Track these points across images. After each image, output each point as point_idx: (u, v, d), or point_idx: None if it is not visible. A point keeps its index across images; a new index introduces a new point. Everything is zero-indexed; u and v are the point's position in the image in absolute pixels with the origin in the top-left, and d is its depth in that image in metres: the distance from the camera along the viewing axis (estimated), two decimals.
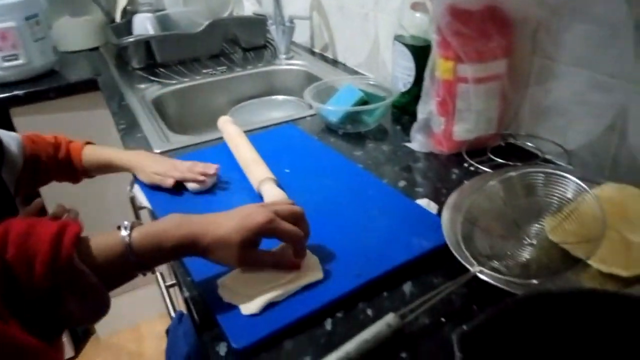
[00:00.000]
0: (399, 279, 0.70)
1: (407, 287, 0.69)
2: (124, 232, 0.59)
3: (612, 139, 0.86)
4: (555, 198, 0.74)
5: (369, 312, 0.65)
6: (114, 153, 0.98)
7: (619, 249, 0.68)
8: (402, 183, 0.93)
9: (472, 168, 0.94)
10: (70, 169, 0.97)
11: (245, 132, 1.09)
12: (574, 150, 0.92)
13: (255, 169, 0.92)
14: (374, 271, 0.69)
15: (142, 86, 1.49)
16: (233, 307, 0.64)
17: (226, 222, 0.63)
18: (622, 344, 0.48)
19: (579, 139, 0.91)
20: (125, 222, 0.60)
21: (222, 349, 0.60)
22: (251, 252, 0.65)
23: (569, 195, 0.74)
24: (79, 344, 2.05)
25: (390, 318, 0.59)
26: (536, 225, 0.74)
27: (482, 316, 0.42)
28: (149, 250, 0.59)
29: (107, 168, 0.98)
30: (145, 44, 1.64)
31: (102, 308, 0.57)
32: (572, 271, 0.66)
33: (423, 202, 0.86)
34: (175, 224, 0.62)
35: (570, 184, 0.73)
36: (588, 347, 0.48)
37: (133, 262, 0.58)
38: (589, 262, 0.66)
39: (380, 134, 1.15)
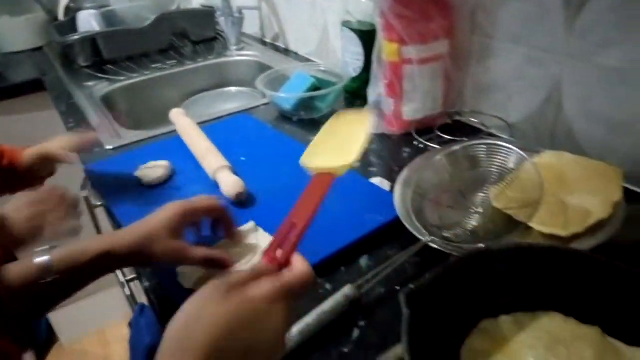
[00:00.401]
0: (355, 253, 0.72)
1: (364, 261, 0.71)
2: (39, 258, 0.59)
3: (549, 110, 0.90)
4: (498, 168, 0.78)
5: (328, 286, 0.67)
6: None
7: (558, 212, 0.72)
8: (356, 164, 0.95)
9: (421, 146, 0.97)
10: (16, 174, 0.94)
11: (199, 124, 1.09)
12: (515, 123, 0.97)
13: (210, 158, 0.93)
14: (331, 248, 0.71)
15: (90, 84, 1.46)
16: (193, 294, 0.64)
17: (147, 220, 0.64)
18: (558, 292, 0.51)
19: (519, 112, 0.96)
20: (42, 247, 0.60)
21: None
22: (179, 243, 0.64)
23: (511, 164, 0.77)
24: (41, 354, 2.00)
25: (347, 289, 0.61)
26: (481, 194, 0.77)
27: (428, 275, 0.45)
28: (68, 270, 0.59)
29: (45, 156, 0.95)
30: (92, 41, 1.60)
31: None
32: (516, 234, 0.70)
33: (377, 181, 0.89)
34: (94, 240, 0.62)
35: (511, 154, 0.77)
36: (526, 296, 0.52)
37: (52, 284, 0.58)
38: (531, 225, 0.70)
39: None
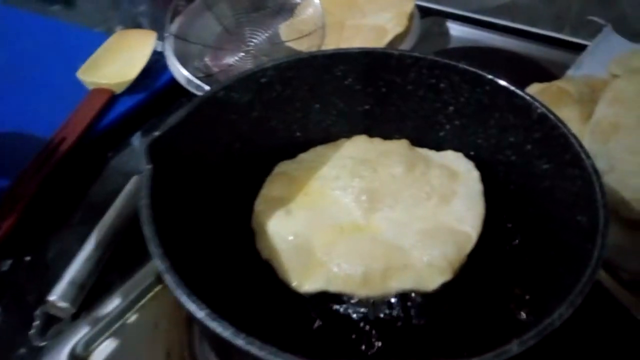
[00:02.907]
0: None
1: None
2: None
3: None
4: (283, 2, 0.66)
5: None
6: None
7: (351, 37, 0.64)
8: (119, 27, 0.76)
9: None
10: None
11: None
12: None
13: None
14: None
15: None
16: None
17: None
18: (355, 110, 0.43)
19: None
20: None
21: None
22: None
23: None
24: None
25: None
26: (268, 32, 0.65)
27: (174, 117, 0.32)
28: None
29: None
30: None
31: None
32: None
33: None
34: None
35: None
36: (320, 125, 0.43)
37: None
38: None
39: None
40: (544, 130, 0.33)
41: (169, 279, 0.24)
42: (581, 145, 0.31)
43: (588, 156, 0.30)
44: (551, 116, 0.32)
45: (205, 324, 0.22)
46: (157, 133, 0.31)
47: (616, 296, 0.38)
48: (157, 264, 0.25)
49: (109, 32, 0.73)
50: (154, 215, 0.26)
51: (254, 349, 0.21)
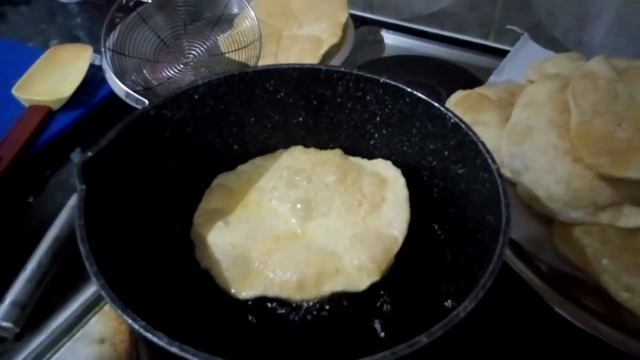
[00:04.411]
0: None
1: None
2: None
3: None
4: (221, 15, 0.67)
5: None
6: None
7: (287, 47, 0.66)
8: (55, 42, 0.75)
9: (131, 4, 0.80)
10: None
11: None
12: None
13: None
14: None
15: None
16: None
17: None
18: (288, 123, 0.45)
19: None
20: None
21: None
22: None
23: (234, 9, 0.68)
24: None
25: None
26: (206, 44, 0.66)
27: (106, 138, 0.33)
28: None
29: None
30: None
31: None
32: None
33: None
34: None
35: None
36: (257, 138, 0.44)
37: None
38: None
39: None
40: (457, 137, 0.36)
41: (105, 294, 0.25)
42: (488, 151, 0.34)
43: (494, 161, 0.33)
44: (462, 125, 0.36)
45: (142, 335, 0.24)
46: (89, 154, 0.32)
47: (532, 286, 0.42)
48: (93, 280, 0.26)
49: (43, 46, 0.72)
50: (89, 234, 0.28)
51: (188, 355, 0.23)
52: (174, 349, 0.23)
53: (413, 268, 0.38)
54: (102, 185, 0.31)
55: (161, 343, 0.23)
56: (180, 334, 0.24)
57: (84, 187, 0.29)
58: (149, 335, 0.24)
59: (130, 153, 0.35)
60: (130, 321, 0.24)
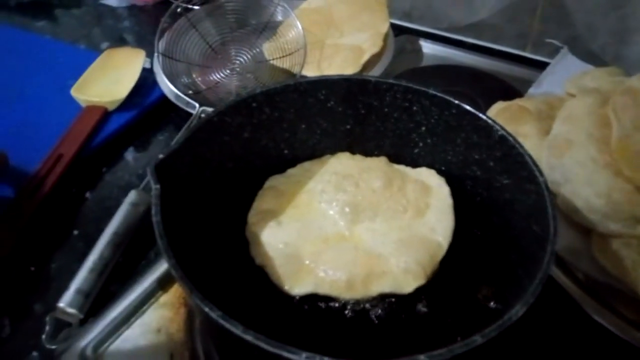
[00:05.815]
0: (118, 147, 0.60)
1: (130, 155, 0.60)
2: None
3: None
4: (267, 22, 0.70)
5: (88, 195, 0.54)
6: None
7: (331, 55, 0.68)
8: (105, 44, 0.79)
9: (179, 10, 0.83)
10: None
11: None
12: None
13: None
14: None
15: None
16: None
17: None
18: (340, 130, 0.47)
19: None
20: None
21: None
22: None
23: (279, 17, 0.70)
24: None
25: (133, 195, 0.50)
26: (252, 51, 0.69)
27: (175, 141, 0.35)
28: None
29: None
30: None
31: None
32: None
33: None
34: None
35: (273, 7, 0.69)
36: (308, 142, 0.47)
37: None
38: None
39: None
40: (503, 149, 0.38)
41: (185, 285, 0.28)
42: (535, 164, 0.35)
43: (541, 174, 0.35)
44: (510, 138, 0.37)
45: (219, 324, 0.26)
46: (160, 156, 0.34)
47: (571, 293, 0.43)
48: (172, 272, 0.28)
49: (94, 49, 0.76)
50: (166, 230, 0.30)
51: (262, 343, 0.25)
52: (248, 337, 0.25)
53: (453, 271, 0.40)
54: (171, 185, 0.33)
55: (237, 331, 0.25)
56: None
57: (158, 186, 0.32)
58: (225, 323, 0.26)
59: (194, 155, 0.38)
60: (207, 310, 0.26)
